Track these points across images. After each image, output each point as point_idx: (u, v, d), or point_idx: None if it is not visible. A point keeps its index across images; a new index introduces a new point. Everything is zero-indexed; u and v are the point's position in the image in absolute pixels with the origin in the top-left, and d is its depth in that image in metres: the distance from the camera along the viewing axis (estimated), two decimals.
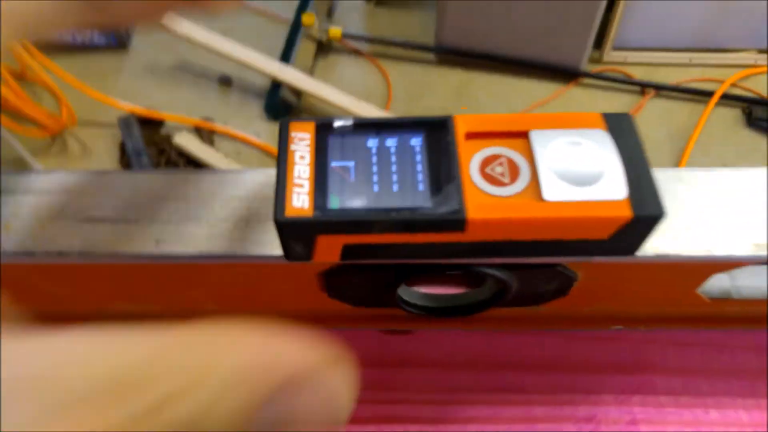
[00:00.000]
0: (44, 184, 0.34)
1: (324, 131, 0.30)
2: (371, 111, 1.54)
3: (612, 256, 0.32)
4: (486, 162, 0.30)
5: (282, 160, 0.30)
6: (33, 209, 0.33)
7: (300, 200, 0.28)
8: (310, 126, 0.30)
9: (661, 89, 1.69)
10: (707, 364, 0.41)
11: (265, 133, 1.61)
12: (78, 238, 0.32)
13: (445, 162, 0.29)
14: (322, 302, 0.40)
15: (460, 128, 0.30)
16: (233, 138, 1.61)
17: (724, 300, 0.39)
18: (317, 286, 0.38)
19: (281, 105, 1.61)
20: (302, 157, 0.29)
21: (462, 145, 0.30)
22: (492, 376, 0.41)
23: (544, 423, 0.40)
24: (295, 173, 0.29)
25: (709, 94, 1.66)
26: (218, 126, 1.62)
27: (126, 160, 1.53)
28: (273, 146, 1.56)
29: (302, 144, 0.30)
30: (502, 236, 0.29)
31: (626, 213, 0.28)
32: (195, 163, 1.53)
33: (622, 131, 0.30)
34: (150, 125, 1.61)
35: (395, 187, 0.29)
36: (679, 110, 1.65)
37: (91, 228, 0.33)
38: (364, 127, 0.31)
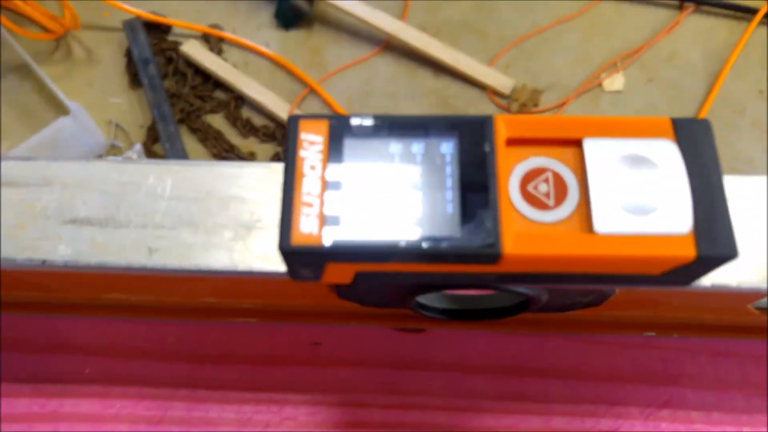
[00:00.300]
0: (24, 174, 0.30)
1: (339, 132, 0.26)
2: (386, 21, 1.46)
3: (663, 287, 0.28)
4: (528, 177, 0.26)
5: (290, 169, 0.25)
6: (12, 205, 0.29)
7: (309, 224, 0.24)
8: (323, 126, 0.26)
9: (701, 4, 1.57)
10: (745, 378, 0.38)
11: (275, 43, 1.53)
12: (62, 243, 0.29)
13: (481, 177, 0.25)
14: (330, 301, 0.36)
15: (501, 132, 0.26)
16: (242, 47, 1.53)
17: None
18: (326, 289, 0.34)
19: (292, 12, 1.52)
20: (313, 168, 0.25)
21: (501, 154, 0.25)
22: (510, 381, 0.38)
23: None
24: (304, 189, 0.25)
25: (753, 11, 1.54)
26: (227, 34, 1.54)
27: (133, 68, 1.47)
28: (283, 57, 1.48)
29: (313, 150, 0.25)
30: (542, 269, 0.25)
31: (689, 252, 0.24)
32: (203, 75, 1.47)
33: (694, 143, 0.26)
34: (156, 31, 1.53)
35: (420, 209, 0.25)
36: (718, 29, 1.54)
37: (76, 231, 0.29)
38: (387, 127, 0.26)
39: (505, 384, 0.38)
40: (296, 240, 0.24)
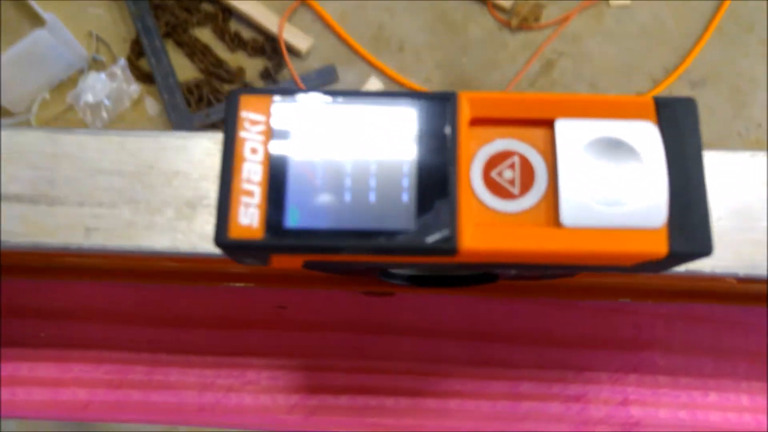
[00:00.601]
0: None
1: (285, 110, 0.23)
2: None
3: (633, 274, 0.27)
4: (493, 162, 0.23)
5: (228, 152, 0.23)
6: None
7: (248, 215, 0.22)
8: (266, 102, 0.23)
9: None
10: (716, 344, 0.38)
11: None
12: None
13: (440, 161, 0.23)
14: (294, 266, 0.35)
15: (464, 111, 0.23)
16: None
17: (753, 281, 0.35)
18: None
19: None
20: (254, 151, 0.23)
21: (464, 135, 0.23)
22: (478, 347, 0.38)
23: (530, 401, 0.38)
24: (244, 175, 0.22)
25: None
26: None
27: None
28: None
29: (255, 130, 0.23)
30: (503, 261, 0.24)
31: (661, 248, 0.22)
32: None
33: (677, 126, 0.23)
34: None
35: (372, 197, 0.22)
36: None
37: (6, 208, 0.27)
38: (340, 102, 0.23)
39: (473, 349, 0.38)
40: (234, 233, 0.22)
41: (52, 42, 1.23)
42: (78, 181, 0.27)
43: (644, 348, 0.38)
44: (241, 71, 1.53)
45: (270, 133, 0.23)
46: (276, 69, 1.07)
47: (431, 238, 0.22)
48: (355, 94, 0.24)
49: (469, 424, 0.37)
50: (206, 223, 0.26)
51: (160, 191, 0.27)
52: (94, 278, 0.37)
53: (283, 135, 0.23)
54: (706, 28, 1.52)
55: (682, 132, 0.23)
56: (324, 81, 1.27)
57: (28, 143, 0.28)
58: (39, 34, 1.18)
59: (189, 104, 1.33)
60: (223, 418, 0.36)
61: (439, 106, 0.23)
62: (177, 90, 1.35)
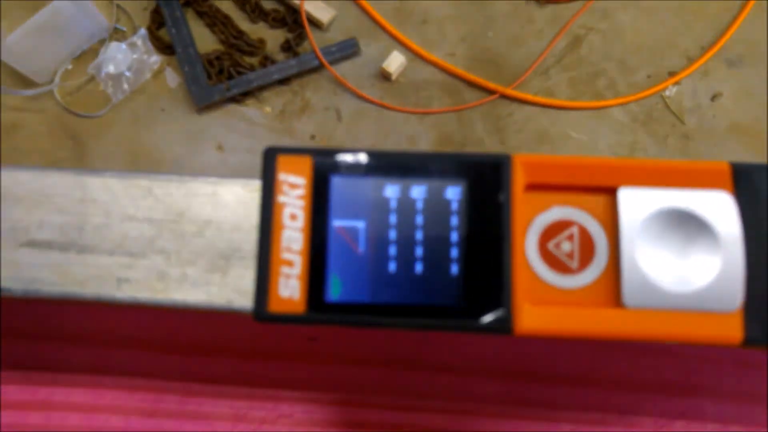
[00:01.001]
0: None
1: (324, 171, 0.22)
2: None
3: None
4: (550, 232, 0.22)
5: (266, 218, 0.21)
6: None
7: (289, 288, 0.21)
8: (306, 164, 0.22)
9: None
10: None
11: None
12: (20, 270, 0.26)
13: (493, 232, 0.21)
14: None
15: (519, 176, 0.21)
16: None
17: None
18: None
19: None
20: (294, 217, 0.21)
21: (519, 201, 0.21)
22: (515, 386, 0.36)
23: None
24: (284, 243, 0.21)
25: None
26: None
27: None
28: None
29: (294, 194, 0.21)
30: (559, 338, 0.22)
31: (735, 334, 0.20)
32: None
33: (757, 196, 0.21)
34: None
35: (419, 267, 0.21)
36: None
37: (35, 256, 0.26)
38: (382, 166, 0.22)
39: (510, 388, 0.36)
40: (274, 307, 0.21)
41: (74, 11, 1.23)
42: (107, 228, 0.26)
43: (692, 393, 0.36)
44: (262, 43, 1.51)
45: (310, 198, 0.21)
46: (297, 41, 1.06)
47: (485, 318, 0.20)
48: (400, 153, 0.22)
49: None
50: (241, 277, 0.25)
51: (192, 242, 0.26)
52: (122, 306, 0.37)
53: (323, 200, 0.21)
54: (745, 3, 1.44)
55: (761, 203, 0.21)
56: (345, 54, 1.24)
57: (55, 186, 0.27)
58: (60, 4, 1.18)
59: (209, 77, 1.31)
60: None
61: (492, 170, 0.21)
62: (197, 62, 1.33)
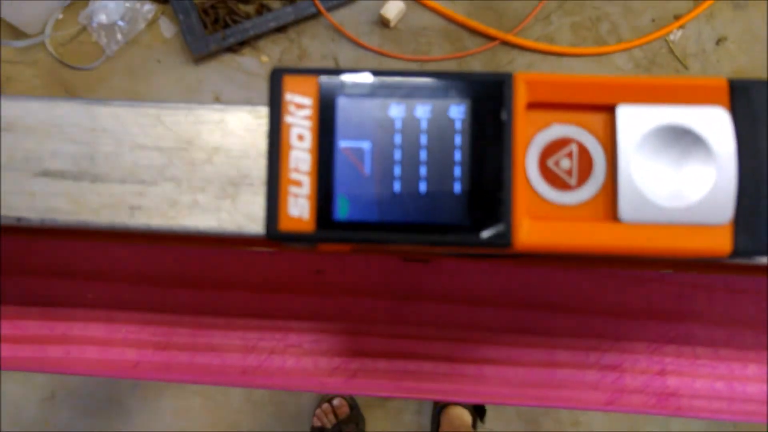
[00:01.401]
0: None
1: (331, 92, 0.22)
2: None
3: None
4: (550, 150, 0.22)
5: (274, 139, 0.22)
6: None
7: (298, 207, 0.22)
8: (312, 84, 0.22)
9: None
10: (758, 315, 0.37)
11: None
12: (35, 199, 0.27)
13: (495, 149, 0.22)
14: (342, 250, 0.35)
15: (521, 94, 0.22)
16: None
17: None
18: None
19: None
20: (301, 137, 0.22)
21: (520, 120, 0.22)
22: (515, 314, 0.38)
23: (566, 368, 0.38)
24: (292, 163, 0.22)
25: None
26: None
27: None
28: None
29: (301, 114, 0.22)
30: (557, 253, 0.23)
31: (724, 247, 0.21)
32: None
33: (753, 111, 0.22)
34: None
35: (423, 186, 0.22)
36: None
37: (50, 185, 0.27)
38: (387, 85, 0.22)
39: (510, 316, 0.38)
40: (284, 225, 0.22)
41: None
42: (118, 157, 0.27)
43: (684, 319, 0.37)
44: None
45: (317, 118, 0.22)
46: None
47: (485, 233, 0.21)
48: (405, 73, 0.22)
49: (504, 391, 0.38)
50: (251, 203, 0.26)
51: (201, 169, 0.27)
52: (134, 240, 0.37)
53: (330, 121, 0.22)
54: None
55: (757, 119, 0.22)
56: (342, 0, 1.18)
57: (66, 115, 0.27)
58: None
59: (205, 26, 1.28)
60: (267, 379, 0.37)
61: (494, 89, 0.22)
62: (193, 11, 1.29)
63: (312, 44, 1.14)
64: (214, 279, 0.38)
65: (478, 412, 1.15)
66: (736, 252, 0.21)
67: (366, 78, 0.22)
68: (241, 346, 0.38)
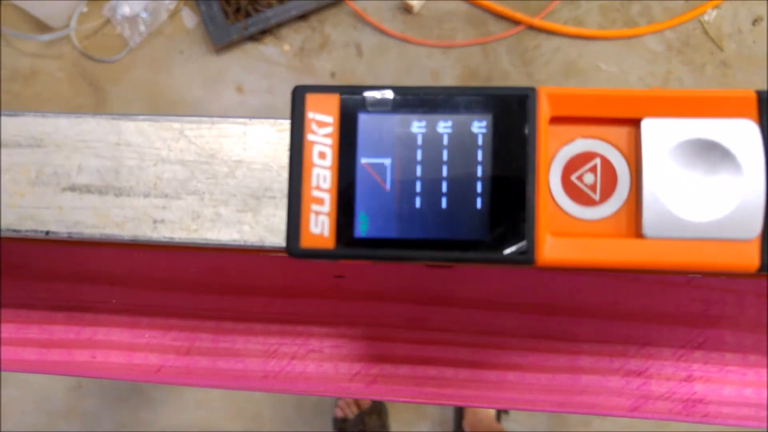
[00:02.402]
0: (15, 134, 0.28)
1: (352, 109, 0.22)
2: None
3: None
4: (573, 164, 0.22)
5: (296, 157, 0.22)
6: (9, 169, 0.27)
7: (319, 224, 0.22)
8: (334, 102, 0.22)
9: None
10: None
11: None
12: (63, 213, 0.27)
13: (518, 165, 0.21)
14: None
15: (544, 109, 0.22)
16: None
17: None
18: None
19: None
20: (322, 155, 0.22)
21: (543, 134, 0.22)
22: (538, 319, 0.37)
23: (590, 374, 0.37)
24: (314, 181, 0.22)
25: None
26: None
27: None
28: None
29: (323, 132, 0.22)
30: (580, 268, 0.23)
31: (751, 262, 0.21)
32: None
33: None
34: None
35: (445, 202, 0.22)
36: None
37: (76, 199, 0.27)
38: (409, 102, 0.22)
39: (533, 322, 0.38)
40: (306, 243, 0.22)
41: None
42: (141, 171, 0.27)
43: (712, 324, 0.37)
44: None
45: (338, 136, 0.22)
46: None
47: (507, 250, 0.21)
48: (427, 89, 0.22)
49: (527, 397, 0.38)
50: (272, 216, 0.26)
51: (224, 182, 0.27)
52: (156, 247, 0.38)
53: (351, 138, 0.22)
54: None
55: None
56: None
57: (91, 132, 0.27)
58: None
59: (227, 16, 1.29)
60: (288, 384, 0.38)
61: (518, 103, 0.22)
62: (214, 0, 1.30)
63: (334, 32, 1.13)
64: (235, 285, 0.39)
65: None
66: (763, 267, 0.20)
67: (387, 95, 0.22)
68: (263, 351, 0.38)
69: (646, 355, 0.37)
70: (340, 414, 1.19)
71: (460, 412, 1.17)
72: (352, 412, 1.18)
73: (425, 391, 0.38)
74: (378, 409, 1.19)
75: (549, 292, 0.38)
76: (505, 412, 1.16)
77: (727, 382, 0.37)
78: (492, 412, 1.15)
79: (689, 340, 0.37)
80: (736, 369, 0.37)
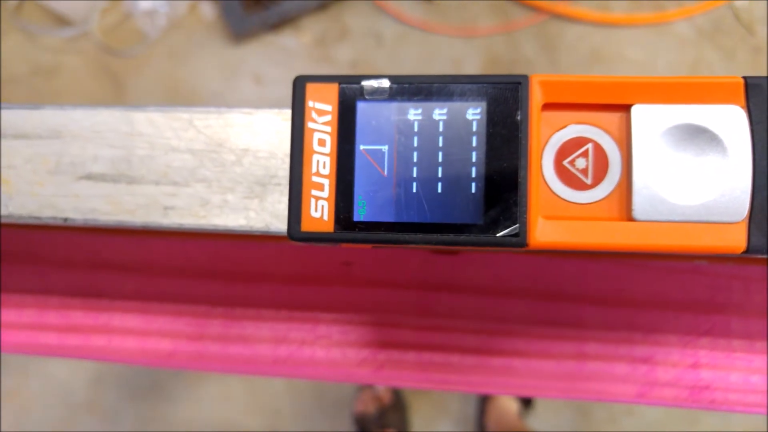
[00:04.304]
0: (36, 126, 0.29)
1: (350, 97, 0.23)
2: None
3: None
4: (566, 150, 0.22)
5: (296, 144, 0.23)
6: (28, 160, 0.29)
7: (319, 208, 0.22)
8: (333, 91, 0.23)
9: None
10: None
11: None
12: (79, 200, 0.28)
13: (511, 150, 0.22)
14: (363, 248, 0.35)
15: (536, 95, 0.22)
16: None
17: None
18: None
19: None
20: (322, 142, 0.23)
21: (536, 120, 0.22)
22: (544, 306, 0.38)
23: (596, 361, 0.38)
24: (313, 167, 0.23)
25: None
26: None
27: None
28: None
29: (322, 120, 0.23)
30: (572, 250, 0.23)
31: (738, 244, 0.21)
32: None
33: None
34: None
35: (440, 188, 0.22)
36: None
37: (92, 187, 0.28)
38: (406, 91, 0.23)
39: (539, 308, 0.38)
40: (306, 227, 0.22)
41: None
42: (152, 159, 0.28)
43: (719, 311, 0.37)
44: None
45: (337, 124, 0.23)
46: None
47: (501, 232, 0.22)
48: (423, 78, 0.23)
49: (533, 383, 0.38)
50: (277, 202, 0.27)
51: (231, 170, 0.28)
52: (168, 234, 0.39)
53: (350, 125, 0.23)
54: None
55: None
56: None
57: (105, 123, 0.29)
58: None
59: (245, 7, 1.31)
60: (297, 370, 0.39)
61: (510, 91, 0.22)
62: None
63: (354, 21, 1.13)
64: (245, 272, 0.40)
65: (524, 400, 1.15)
66: (749, 249, 0.21)
67: (384, 84, 0.23)
68: (272, 337, 0.39)
69: (652, 342, 0.37)
70: (360, 408, 1.19)
71: (482, 409, 1.16)
72: (373, 407, 1.18)
73: (432, 377, 0.39)
74: (399, 406, 1.19)
75: (555, 279, 0.38)
76: (527, 406, 1.15)
77: (734, 369, 0.37)
78: (515, 408, 1.14)
79: (695, 326, 0.37)
80: (743, 355, 0.37)
